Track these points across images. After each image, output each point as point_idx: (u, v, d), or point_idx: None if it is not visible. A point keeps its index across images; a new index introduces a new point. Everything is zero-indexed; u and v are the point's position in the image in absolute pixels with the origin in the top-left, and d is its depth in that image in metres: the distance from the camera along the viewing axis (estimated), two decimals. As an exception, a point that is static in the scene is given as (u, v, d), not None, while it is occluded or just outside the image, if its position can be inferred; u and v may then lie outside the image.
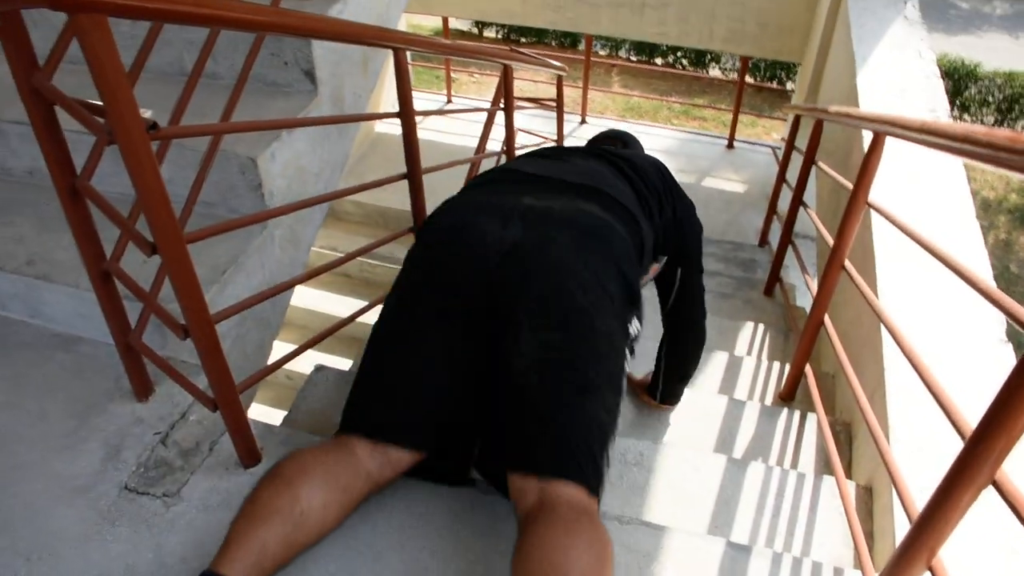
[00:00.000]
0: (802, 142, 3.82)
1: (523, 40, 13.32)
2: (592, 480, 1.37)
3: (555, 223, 1.52)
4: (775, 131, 10.31)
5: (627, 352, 1.54)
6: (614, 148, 2.06)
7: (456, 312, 1.49)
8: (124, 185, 1.41)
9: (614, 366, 1.47)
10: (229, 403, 1.51)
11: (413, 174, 2.14)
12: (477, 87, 11.35)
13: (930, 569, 1.16)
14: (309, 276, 1.84)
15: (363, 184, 1.99)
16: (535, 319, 1.42)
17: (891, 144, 1.96)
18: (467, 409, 1.53)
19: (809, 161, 3.16)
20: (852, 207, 2.05)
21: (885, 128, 1.82)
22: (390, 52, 2.28)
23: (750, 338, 3.10)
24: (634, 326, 1.58)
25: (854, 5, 3.90)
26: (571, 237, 1.49)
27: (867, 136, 2.74)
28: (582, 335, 1.43)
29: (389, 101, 6.31)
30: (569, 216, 1.54)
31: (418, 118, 2.02)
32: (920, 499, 1.25)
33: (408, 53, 1.98)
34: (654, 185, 1.88)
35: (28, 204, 2.19)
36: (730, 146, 7.10)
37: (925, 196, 2.50)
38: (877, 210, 1.95)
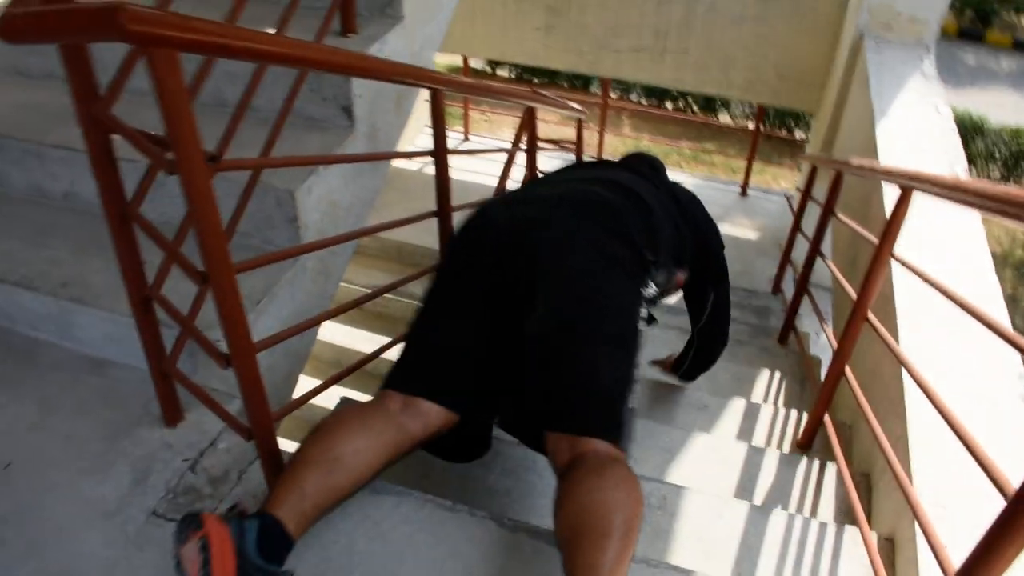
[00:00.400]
0: (818, 192, 3.87)
1: (535, 80, 13.46)
2: (614, 433, 1.52)
3: (572, 203, 1.75)
4: (783, 179, 10.38)
5: (643, 312, 1.70)
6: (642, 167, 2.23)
7: (490, 288, 1.70)
8: (158, 213, 1.44)
9: (627, 325, 1.63)
10: (264, 432, 1.53)
11: (443, 211, 2.17)
12: (489, 125, 11.45)
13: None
14: (342, 310, 1.86)
15: (395, 221, 2.03)
16: (553, 288, 1.62)
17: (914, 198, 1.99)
18: (493, 377, 1.73)
19: (828, 212, 3.19)
20: (877, 260, 2.08)
21: (914, 184, 1.85)
22: (419, 91, 2.33)
23: (766, 385, 3.11)
24: (650, 288, 1.75)
25: (872, 59, 3.96)
26: (584, 212, 1.72)
27: (889, 189, 2.79)
28: (594, 299, 1.60)
29: (406, 137, 6.38)
30: (584, 197, 1.78)
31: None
32: (953, 553, 1.26)
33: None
34: (676, 195, 2.12)
35: (64, 228, 2.22)
36: (743, 193, 7.15)
37: (944, 250, 2.53)
38: (903, 263, 1.97)
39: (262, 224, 2.04)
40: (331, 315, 1.78)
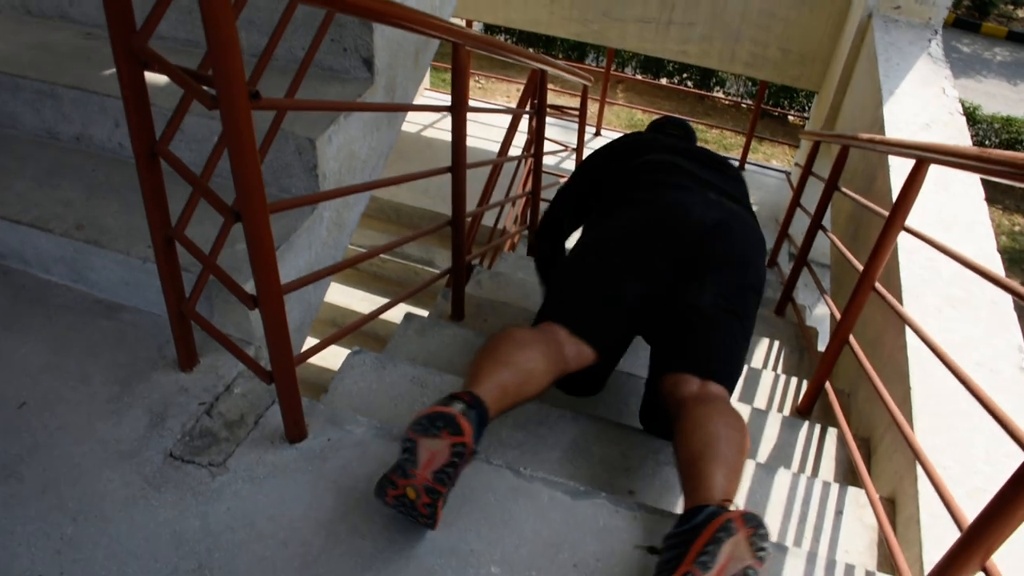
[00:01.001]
0: (818, 169, 3.89)
1: (532, 49, 13.39)
2: (732, 383, 1.97)
3: (729, 212, 2.12)
4: (775, 157, 10.42)
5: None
6: (705, 151, 2.57)
7: (657, 257, 2.04)
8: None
9: (755, 311, 2.09)
10: (286, 376, 1.54)
11: (458, 169, 2.18)
12: (483, 92, 11.40)
13: (984, 570, 1.20)
14: (357, 261, 1.87)
15: (412, 174, 2.03)
16: (718, 274, 2.01)
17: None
18: (637, 328, 2.11)
19: (831, 187, 3.21)
20: (888, 231, 2.10)
21: (930, 155, 1.87)
22: (435, 46, 2.32)
23: (765, 353, 3.15)
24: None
25: (880, 39, 3.98)
26: (741, 221, 2.13)
27: (898, 164, 2.82)
28: (745, 287, 2.04)
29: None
30: (733, 208, 2.15)
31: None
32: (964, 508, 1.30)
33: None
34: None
35: (76, 169, 2.21)
36: (741, 168, 7.18)
37: (950, 230, 2.56)
38: (915, 234, 2.00)
39: (280, 172, 2.03)
40: (348, 265, 1.79)
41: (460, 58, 2.03)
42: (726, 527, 1.35)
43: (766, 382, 2.74)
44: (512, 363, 1.72)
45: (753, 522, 1.36)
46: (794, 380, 2.78)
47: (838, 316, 2.42)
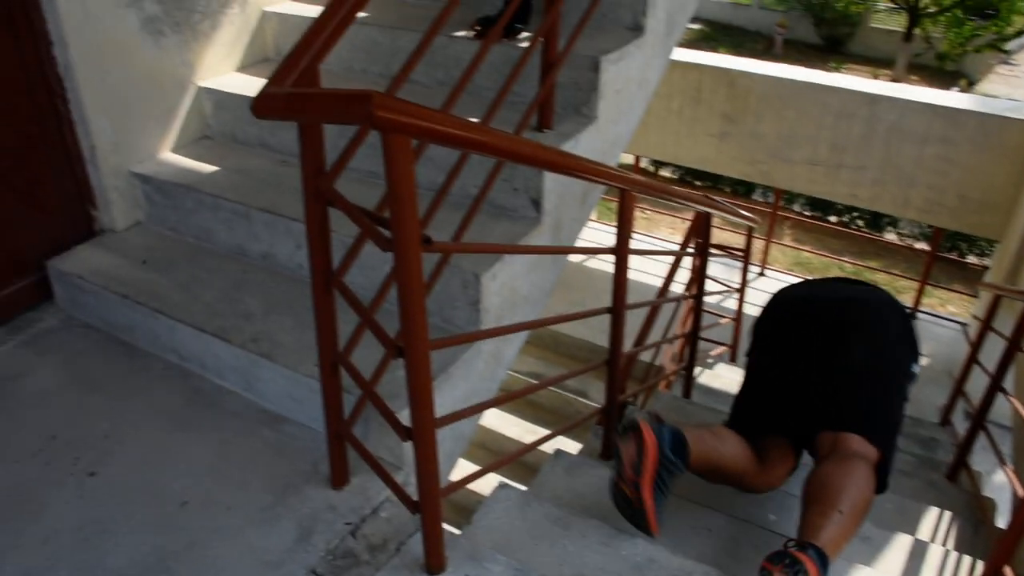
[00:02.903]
0: (1001, 324, 3.66)
1: (698, 183, 13.48)
2: (872, 431, 2.12)
3: (855, 289, 2.49)
4: (951, 304, 9.88)
5: (910, 379, 2.34)
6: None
7: (805, 343, 2.32)
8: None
9: (903, 381, 2.30)
10: (431, 507, 1.55)
11: (617, 310, 2.19)
12: (647, 223, 11.51)
13: None
14: (510, 398, 1.89)
15: (571, 314, 2.06)
16: (861, 345, 2.24)
17: None
18: (802, 402, 2.30)
19: (1014, 347, 3.00)
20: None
21: None
22: (602, 188, 2.37)
23: (934, 524, 2.91)
24: (916, 368, 2.37)
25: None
26: (868, 292, 2.47)
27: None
28: (888, 356, 2.28)
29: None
30: (860, 287, 2.52)
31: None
32: None
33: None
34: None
35: (259, 285, 2.38)
36: (913, 316, 6.85)
37: None
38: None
39: (444, 303, 2.11)
40: (503, 401, 1.81)
41: (625, 202, 2.07)
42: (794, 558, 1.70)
43: (934, 559, 2.52)
44: (719, 436, 2.16)
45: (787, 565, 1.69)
46: (967, 560, 2.54)
47: (1020, 492, 2.22)
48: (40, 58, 2.35)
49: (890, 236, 12.45)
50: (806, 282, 2.87)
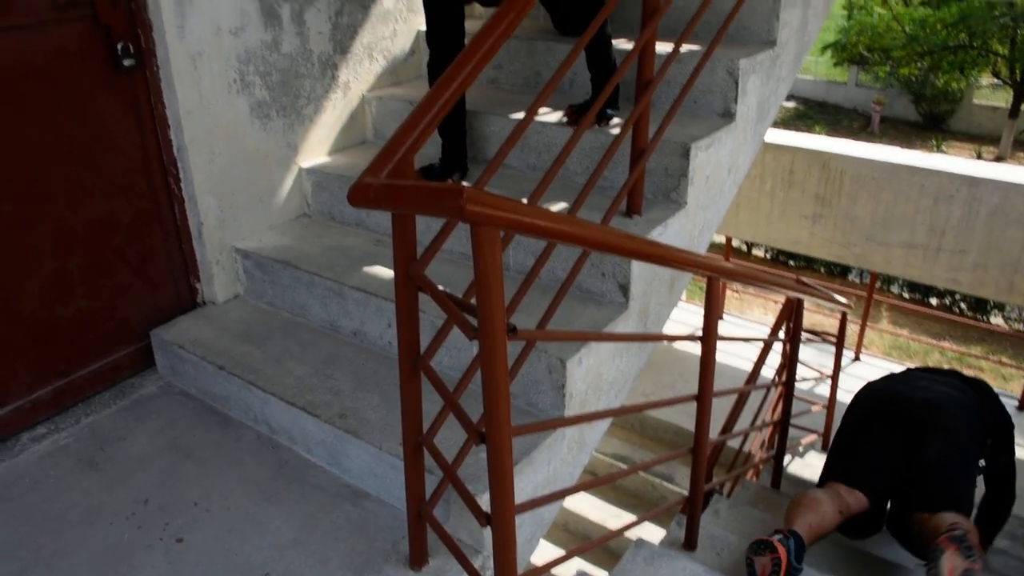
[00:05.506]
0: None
1: (791, 263, 13.26)
2: (960, 506, 2.66)
3: (933, 391, 2.95)
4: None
5: (979, 465, 2.91)
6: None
7: (892, 429, 2.89)
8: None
9: (973, 470, 2.86)
10: (507, 595, 1.53)
11: (703, 398, 2.16)
12: (739, 303, 11.34)
13: None
14: (592, 485, 1.87)
15: (657, 401, 2.04)
16: (938, 439, 2.78)
17: None
18: (891, 482, 2.84)
19: None
20: None
21: None
22: (690, 274, 2.36)
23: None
24: (982, 460, 2.94)
25: None
26: (953, 401, 2.91)
27: None
28: (960, 449, 2.81)
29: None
30: (939, 389, 2.99)
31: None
32: None
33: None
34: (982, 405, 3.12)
35: (349, 361, 2.43)
36: (1021, 407, 6.49)
37: None
38: None
39: (529, 387, 2.11)
40: (586, 487, 1.79)
41: (714, 290, 2.05)
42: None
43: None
44: (812, 509, 2.62)
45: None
46: None
47: None
48: (158, 140, 2.51)
49: (996, 320, 11.93)
50: (891, 376, 3.31)
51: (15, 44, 2.14)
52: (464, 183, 2.66)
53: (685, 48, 2.33)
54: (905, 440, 2.84)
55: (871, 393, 3.12)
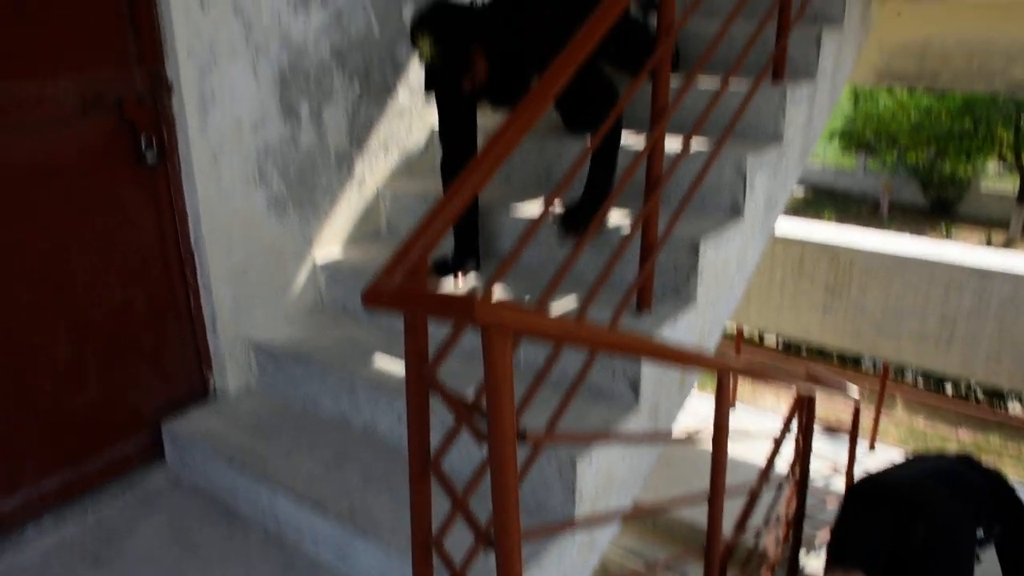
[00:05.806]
0: None
1: (803, 352, 13.19)
2: None
3: (938, 475, 3.00)
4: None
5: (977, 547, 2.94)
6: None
7: (878, 512, 2.89)
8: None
9: (966, 554, 2.88)
10: None
11: (715, 498, 2.13)
12: (751, 393, 11.25)
13: None
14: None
15: (667, 501, 2.01)
16: (925, 521, 2.80)
17: None
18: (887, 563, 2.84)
19: None
20: None
21: None
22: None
23: None
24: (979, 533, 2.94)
25: None
26: (946, 481, 2.96)
27: None
28: (951, 529, 2.85)
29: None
30: (944, 472, 3.02)
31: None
32: None
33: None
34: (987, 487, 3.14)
35: (358, 458, 2.42)
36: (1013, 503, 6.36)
37: None
38: None
39: (539, 487, 2.10)
40: (595, 591, 1.76)
41: (723, 386, 2.05)
42: None
43: None
44: None
45: None
46: None
47: None
48: (176, 232, 2.56)
49: (1013, 404, 11.77)
50: (892, 464, 3.34)
51: (44, 138, 2.21)
52: (474, 274, 2.69)
53: (693, 148, 2.37)
54: (895, 523, 2.84)
55: (867, 479, 3.15)
